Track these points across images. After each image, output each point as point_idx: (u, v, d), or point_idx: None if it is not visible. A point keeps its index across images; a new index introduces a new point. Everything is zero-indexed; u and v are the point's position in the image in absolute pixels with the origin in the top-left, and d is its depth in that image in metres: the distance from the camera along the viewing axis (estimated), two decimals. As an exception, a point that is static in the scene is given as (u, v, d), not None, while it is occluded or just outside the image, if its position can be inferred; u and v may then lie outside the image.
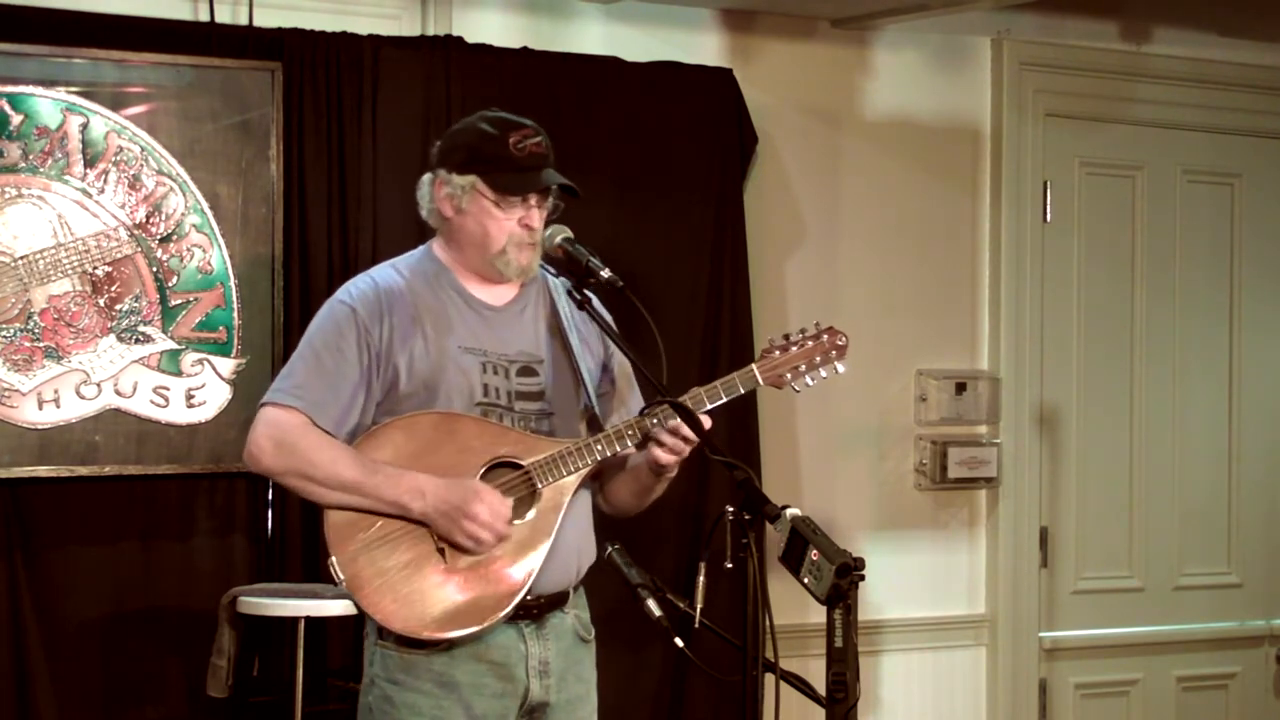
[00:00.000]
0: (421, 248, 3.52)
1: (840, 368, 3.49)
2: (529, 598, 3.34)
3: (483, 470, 3.33)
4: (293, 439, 3.29)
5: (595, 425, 3.47)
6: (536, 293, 3.49)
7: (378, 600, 3.28)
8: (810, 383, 3.47)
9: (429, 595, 3.28)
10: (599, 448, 3.35)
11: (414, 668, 3.32)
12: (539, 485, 3.34)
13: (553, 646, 3.40)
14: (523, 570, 3.31)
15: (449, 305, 3.41)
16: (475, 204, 3.39)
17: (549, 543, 3.33)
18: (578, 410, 3.48)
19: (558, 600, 3.42)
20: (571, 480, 3.36)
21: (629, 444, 3.37)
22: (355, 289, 3.42)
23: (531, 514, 3.33)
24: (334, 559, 3.29)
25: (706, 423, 3.35)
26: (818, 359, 3.47)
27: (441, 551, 3.29)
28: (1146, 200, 6.23)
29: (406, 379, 3.35)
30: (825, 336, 3.48)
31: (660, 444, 3.33)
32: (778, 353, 3.46)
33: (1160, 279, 6.24)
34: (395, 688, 3.33)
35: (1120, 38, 6.14)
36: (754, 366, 3.44)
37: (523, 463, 3.34)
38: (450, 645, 3.31)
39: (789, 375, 3.46)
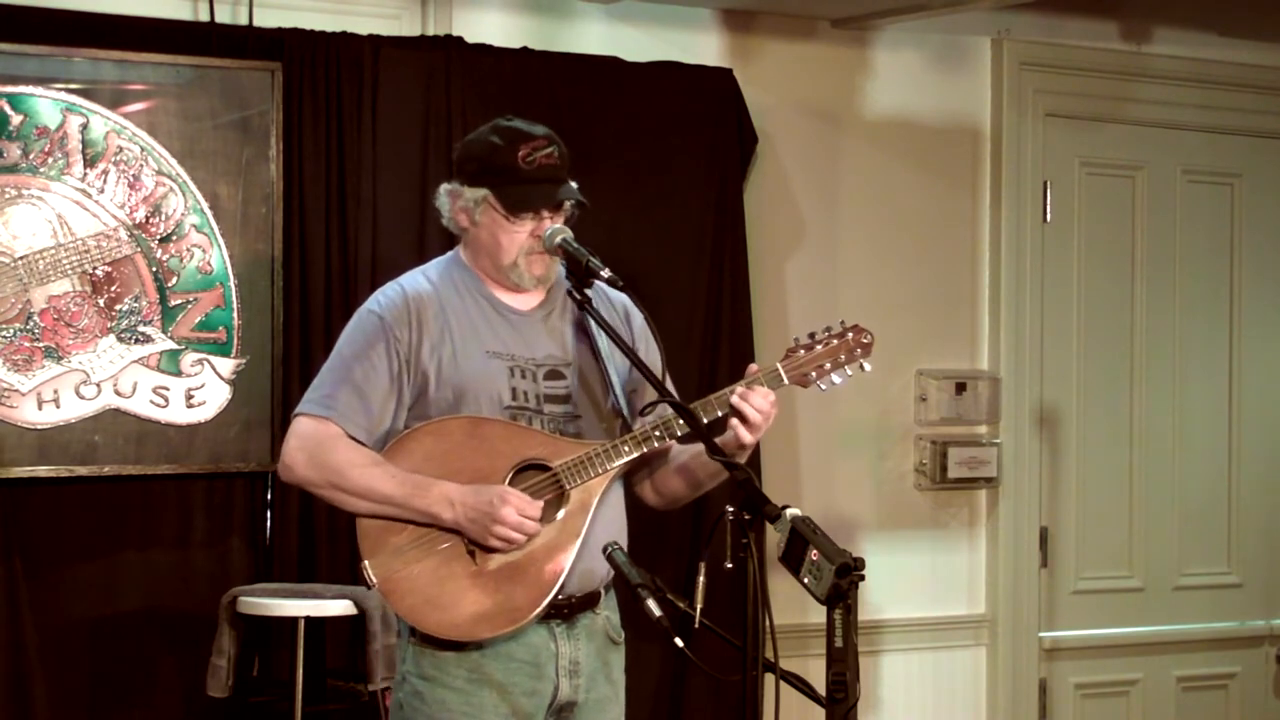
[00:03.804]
0: (449, 254, 3.54)
1: (866, 366, 3.48)
2: (560, 598, 3.36)
3: (511, 473, 3.35)
4: (325, 451, 3.32)
5: (624, 426, 3.47)
6: (562, 296, 3.49)
7: (410, 602, 3.31)
8: (837, 381, 3.46)
9: (460, 597, 3.30)
10: (626, 449, 3.36)
11: (445, 665, 3.34)
12: (567, 487, 3.35)
13: (583, 646, 3.42)
14: (552, 572, 3.33)
15: (476, 311, 3.43)
16: (487, 217, 3.41)
17: (578, 544, 3.35)
18: (606, 412, 3.48)
19: (589, 601, 3.44)
20: (599, 482, 3.37)
21: (656, 444, 3.37)
22: (384, 297, 3.44)
23: (560, 515, 3.35)
24: (366, 563, 3.32)
25: (765, 414, 3.36)
26: (842, 357, 3.46)
27: (472, 554, 3.32)
28: (1146, 200, 6.23)
29: (436, 385, 3.37)
30: (850, 335, 3.47)
31: (745, 420, 3.33)
32: (802, 351, 3.45)
33: (1160, 279, 6.24)
34: (426, 684, 3.35)
35: (1120, 38, 6.14)
36: (779, 365, 3.43)
37: (551, 465, 3.35)
38: (481, 644, 3.33)
39: (814, 374, 3.45)
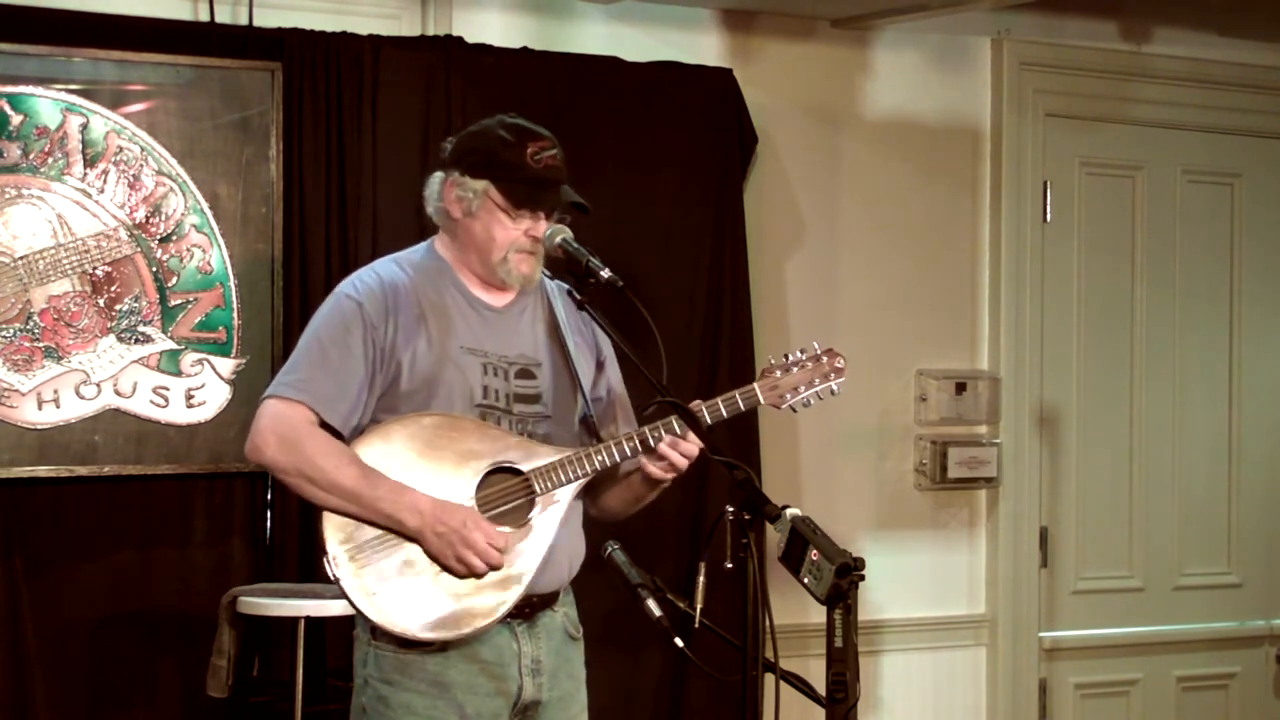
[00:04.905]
0: (424, 244, 3.53)
1: (836, 389, 3.54)
2: (520, 599, 3.35)
3: (483, 473, 3.34)
4: (297, 437, 3.29)
5: (591, 430, 3.48)
6: (535, 296, 3.50)
7: (372, 600, 3.29)
8: (808, 403, 3.52)
9: (423, 596, 3.29)
10: (599, 457, 3.37)
11: (408, 668, 3.33)
12: (537, 492, 3.34)
13: (544, 645, 3.42)
14: (517, 575, 3.33)
15: (451, 304, 3.42)
16: (486, 209, 3.40)
17: (544, 549, 3.35)
18: (574, 414, 3.49)
19: (548, 599, 3.44)
20: (570, 489, 3.37)
21: (629, 454, 3.37)
22: (360, 283, 3.42)
23: (529, 519, 3.34)
24: (330, 556, 3.30)
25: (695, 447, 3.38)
26: (816, 380, 3.52)
27: None
28: (1146, 200, 6.23)
29: (408, 377, 3.36)
30: (824, 358, 3.53)
31: (659, 457, 3.36)
32: (779, 373, 3.50)
33: (1160, 279, 6.24)
34: (390, 688, 3.35)
35: (1120, 38, 6.14)
36: (755, 386, 3.48)
37: (522, 469, 3.35)
38: (444, 646, 3.32)
39: (788, 395, 3.50)
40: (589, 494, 3.51)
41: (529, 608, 3.39)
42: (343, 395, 3.33)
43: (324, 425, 3.33)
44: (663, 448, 3.35)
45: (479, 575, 3.29)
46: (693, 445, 3.35)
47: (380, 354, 3.35)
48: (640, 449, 3.36)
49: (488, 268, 3.42)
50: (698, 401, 3.41)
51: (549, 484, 3.35)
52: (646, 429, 3.36)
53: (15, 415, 4.60)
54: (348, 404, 3.33)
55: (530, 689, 3.39)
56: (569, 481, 3.36)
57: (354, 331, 3.35)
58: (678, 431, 3.34)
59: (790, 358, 3.51)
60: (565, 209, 3.44)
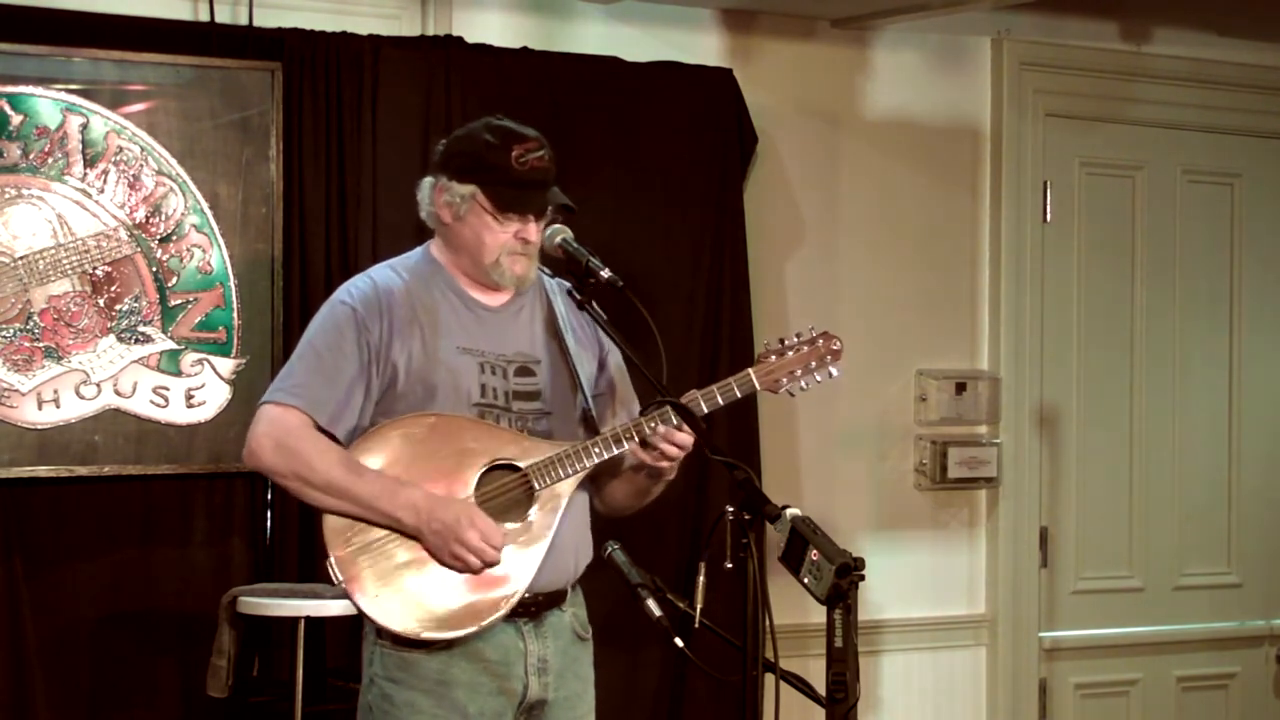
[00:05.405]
0: (419, 249, 3.54)
1: (834, 372, 3.52)
2: (526, 596, 3.35)
3: (481, 472, 3.34)
4: (293, 440, 3.30)
5: (591, 425, 3.49)
6: (533, 294, 3.51)
7: (376, 601, 3.30)
8: (805, 387, 3.50)
9: (426, 596, 3.30)
10: (597, 450, 3.37)
11: (413, 667, 3.34)
12: (537, 487, 3.35)
13: (551, 644, 3.42)
14: (520, 572, 3.33)
15: (446, 306, 3.43)
16: (473, 214, 3.41)
17: (546, 544, 3.35)
18: (575, 411, 3.50)
19: (555, 598, 3.44)
20: (569, 483, 3.37)
21: (626, 447, 3.37)
22: (355, 289, 3.43)
23: (530, 516, 3.35)
24: (332, 559, 3.31)
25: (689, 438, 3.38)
26: (813, 364, 3.50)
27: None
28: (1146, 200, 6.23)
29: (405, 379, 3.36)
30: (820, 341, 3.51)
31: (652, 448, 3.35)
32: (774, 357, 3.49)
33: (1160, 279, 6.24)
34: (395, 686, 3.35)
35: (1120, 38, 6.14)
36: (751, 371, 3.47)
37: (521, 465, 3.35)
38: (449, 644, 3.33)
39: (784, 380, 3.49)
40: (594, 489, 3.52)
41: (535, 606, 3.40)
42: (337, 399, 3.34)
43: (320, 430, 3.33)
44: (655, 437, 3.35)
45: (475, 571, 3.29)
46: (687, 436, 3.35)
47: (375, 357, 3.36)
48: (638, 441, 3.37)
49: (480, 270, 3.43)
50: (693, 391, 3.41)
51: (548, 479, 3.35)
52: (643, 419, 3.36)
53: (15, 415, 4.60)
54: (343, 408, 3.34)
55: (536, 688, 3.40)
56: (568, 476, 3.36)
57: (348, 336, 3.36)
58: (673, 422, 3.34)
59: (786, 341, 3.50)
60: (556, 209, 3.44)
